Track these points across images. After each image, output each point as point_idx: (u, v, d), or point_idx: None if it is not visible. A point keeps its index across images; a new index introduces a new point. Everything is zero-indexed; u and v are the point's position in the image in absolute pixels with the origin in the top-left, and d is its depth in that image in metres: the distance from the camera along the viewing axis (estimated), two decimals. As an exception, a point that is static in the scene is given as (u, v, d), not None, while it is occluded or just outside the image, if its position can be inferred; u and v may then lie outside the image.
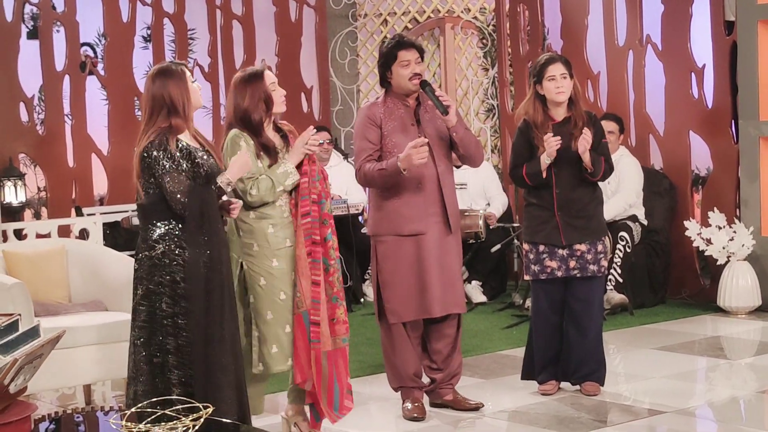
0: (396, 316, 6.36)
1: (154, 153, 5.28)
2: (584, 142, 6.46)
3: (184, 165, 5.30)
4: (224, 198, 5.54)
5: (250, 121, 5.75)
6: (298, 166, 5.76)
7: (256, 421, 6.13)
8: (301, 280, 5.68)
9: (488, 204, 9.95)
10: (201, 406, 4.06)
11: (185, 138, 5.39)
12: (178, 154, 5.29)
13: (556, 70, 6.55)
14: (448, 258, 6.36)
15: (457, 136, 6.30)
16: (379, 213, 6.37)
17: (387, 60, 6.32)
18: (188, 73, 5.45)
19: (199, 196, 5.31)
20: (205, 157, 5.39)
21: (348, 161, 10.70)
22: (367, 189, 6.82)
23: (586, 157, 6.51)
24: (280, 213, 5.74)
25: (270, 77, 5.83)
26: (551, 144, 6.45)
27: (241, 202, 5.63)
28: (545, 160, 6.51)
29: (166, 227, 5.32)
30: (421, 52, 6.34)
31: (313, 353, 5.70)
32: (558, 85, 6.56)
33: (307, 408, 5.98)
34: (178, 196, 5.26)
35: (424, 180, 6.26)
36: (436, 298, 6.31)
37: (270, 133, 5.82)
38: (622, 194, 9.03)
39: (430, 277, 6.29)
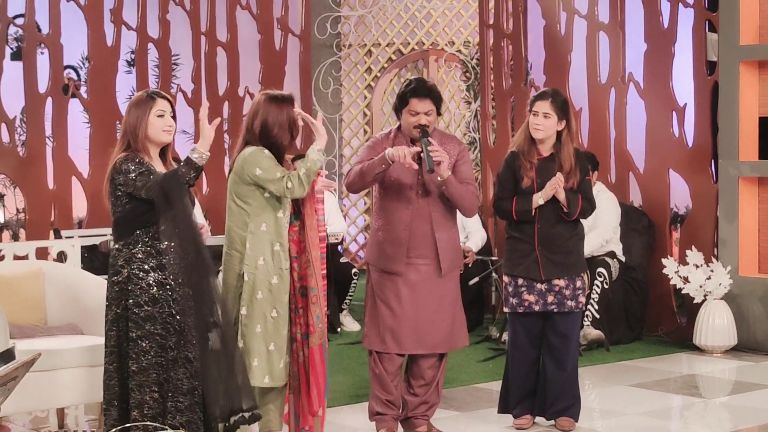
0: (368, 342, 6.42)
1: (124, 166, 5.39)
2: (554, 185, 6.48)
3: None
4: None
5: (277, 145, 5.84)
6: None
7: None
8: (323, 309, 5.75)
9: (467, 237, 9.95)
10: (174, 432, 4.05)
11: (154, 164, 5.46)
12: (145, 168, 5.38)
13: (541, 107, 6.57)
14: (432, 300, 6.37)
15: (447, 191, 6.30)
16: (371, 243, 6.46)
17: (400, 102, 6.34)
18: (158, 105, 5.49)
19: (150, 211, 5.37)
20: None
21: (329, 190, 10.69)
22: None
23: (561, 197, 6.53)
24: (285, 235, 5.80)
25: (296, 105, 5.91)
26: (548, 191, 6.49)
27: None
28: (539, 200, 6.53)
29: (131, 251, 5.36)
30: (437, 102, 6.29)
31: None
32: (537, 122, 6.58)
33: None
34: (149, 186, 5.33)
35: (415, 221, 6.29)
36: (408, 337, 6.35)
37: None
38: (599, 230, 9.03)
39: (403, 316, 6.33)
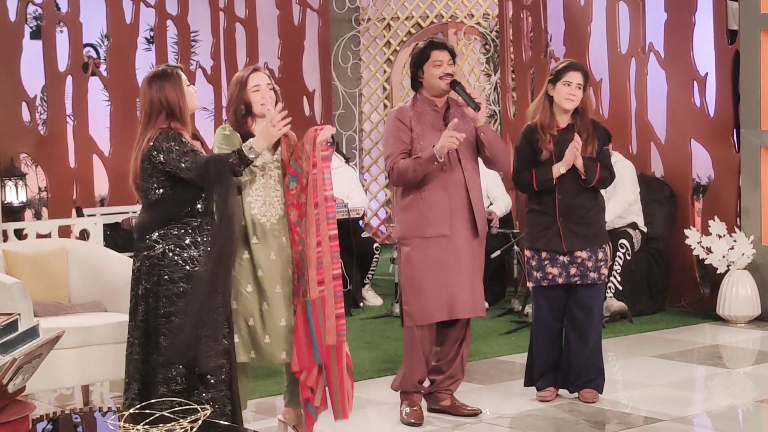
0: (412, 319, 6.36)
1: (165, 144, 5.32)
2: (573, 149, 6.47)
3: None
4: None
5: (232, 118, 5.86)
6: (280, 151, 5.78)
7: (255, 424, 6.14)
8: (309, 270, 5.67)
9: (491, 203, 9.88)
10: (199, 408, 4.06)
11: (187, 138, 5.43)
12: (189, 147, 5.34)
13: (575, 77, 6.56)
14: (473, 261, 6.39)
15: (485, 137, 6.34)
16: (405, 216, 6.39)
17: (419, 59, 6.36)
18: (183, 76, 5.50)
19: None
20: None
21: (349, 165, 10.69)
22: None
23: (579, 164, 6.52)
24: (248, 210, 5.76)
25: (254, 80, 5.85)
26: (568, 157, 6.47)
27: None
28: (560, 169, 6.52)
29: (166, 228, 5.35)
30: (453, 54, 6.39)
31: (339, 347, 5.71)
32: (571, 92, 6.56)
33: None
34: (201, 165, 5.26)
35: (450, 183, 6.28)
36: (463, 301, 6.33)
37: None
38: (620, 195, 9.00)
39: (457, 279, 6.31)
